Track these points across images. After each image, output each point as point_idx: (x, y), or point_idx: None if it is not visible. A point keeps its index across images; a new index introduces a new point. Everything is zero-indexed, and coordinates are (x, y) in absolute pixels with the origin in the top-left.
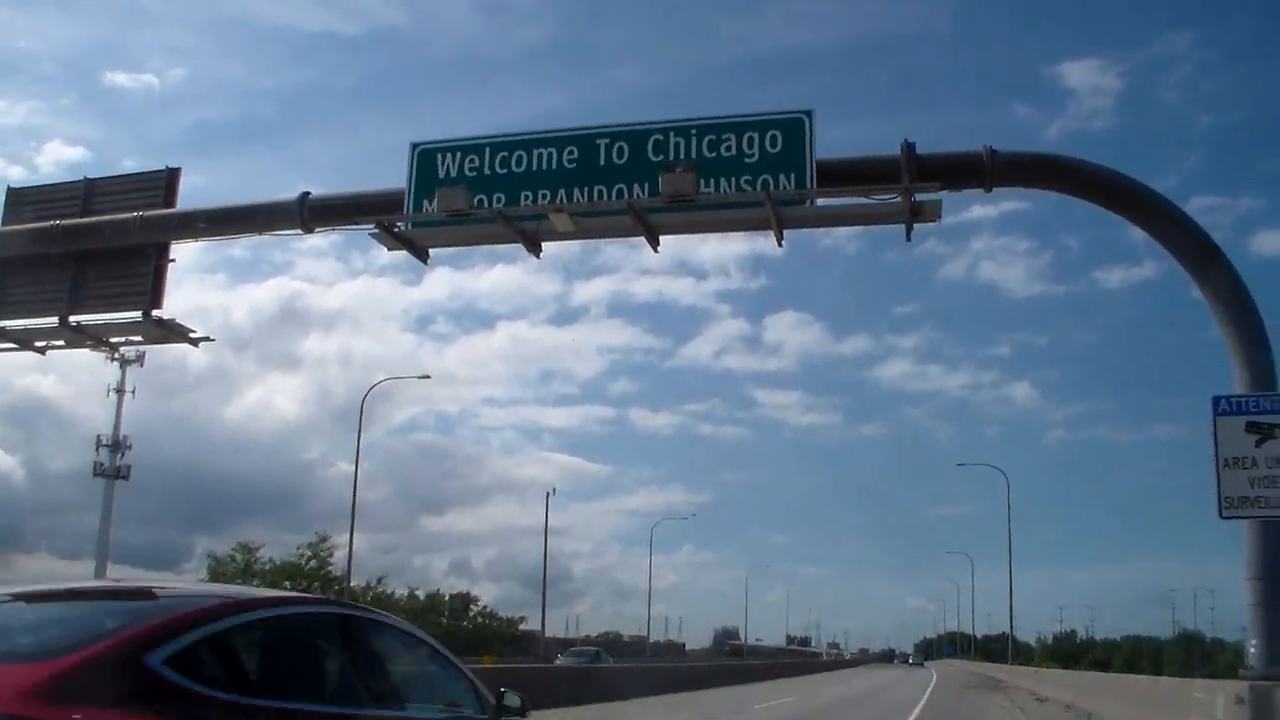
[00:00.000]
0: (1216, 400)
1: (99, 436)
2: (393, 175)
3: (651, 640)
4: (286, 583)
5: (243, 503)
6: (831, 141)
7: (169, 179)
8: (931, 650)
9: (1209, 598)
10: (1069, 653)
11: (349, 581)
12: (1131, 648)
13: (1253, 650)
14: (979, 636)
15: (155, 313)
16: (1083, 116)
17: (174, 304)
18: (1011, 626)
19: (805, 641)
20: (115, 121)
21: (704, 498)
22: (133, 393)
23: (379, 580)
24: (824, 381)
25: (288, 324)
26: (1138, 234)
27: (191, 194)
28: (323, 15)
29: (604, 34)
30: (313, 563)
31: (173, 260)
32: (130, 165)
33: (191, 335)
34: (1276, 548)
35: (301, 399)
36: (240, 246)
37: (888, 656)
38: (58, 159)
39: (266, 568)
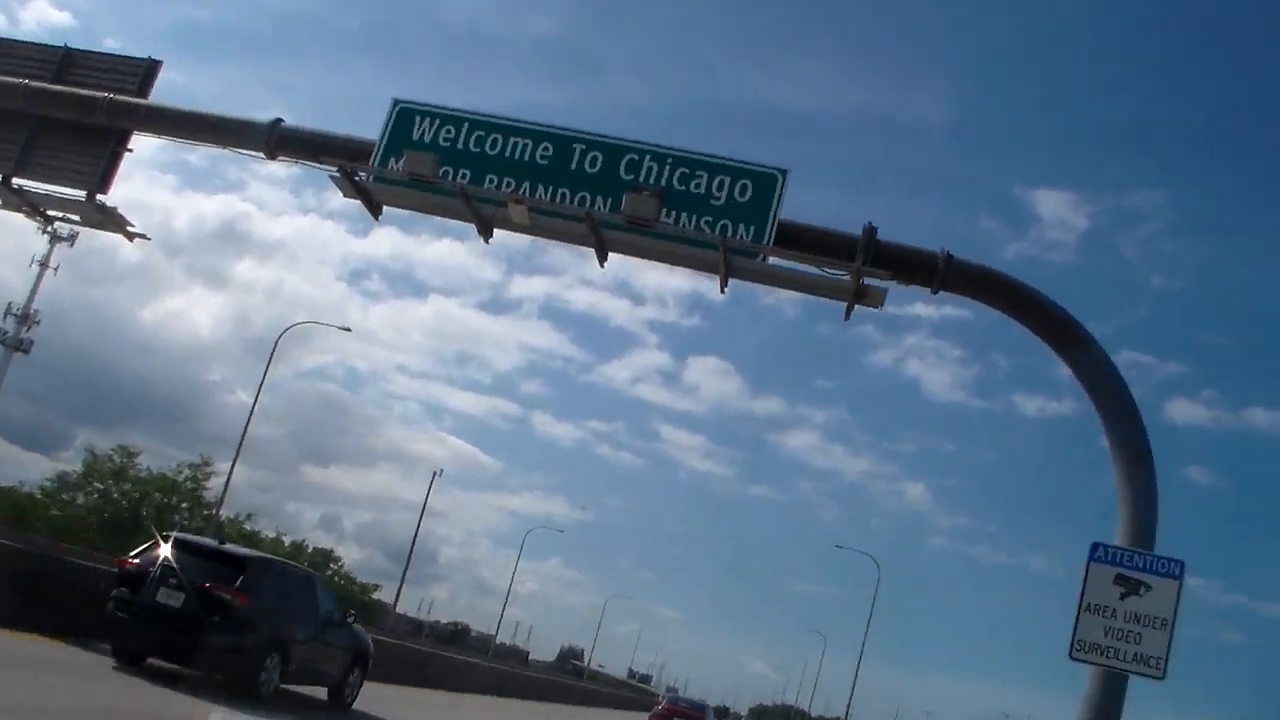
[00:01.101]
0: (1095, 546)
1: (10, 304)
2: (368, 125)
3: (498, 641)
4: (157, 494)
5: (134, 405)
6: (795, 203)
7: (148, 69)
8: (765, 717)
9: None
10: None
11: (219, 511)
12: None
13: None
14: (813, 715)
15: (100, 197)
16: (1043, 245)
17: (120, 193)
18: (848, 712)
19: (646, 679)
20: None
21: (584, 516)
22: (55, 270)
23: (248, 516)
24: (730, 433)
25: (225, 242)
26: (1064, 371)
27: (167, 90)
28: None
29: (609, 44)
30: (189, 483)
31: (130, 150)
32: (112, 45)
33: (129, 228)
34: (1113, 698)
35: (219, 319)
36: (198, 154)
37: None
38: (41, 18)
39: (143, 475)
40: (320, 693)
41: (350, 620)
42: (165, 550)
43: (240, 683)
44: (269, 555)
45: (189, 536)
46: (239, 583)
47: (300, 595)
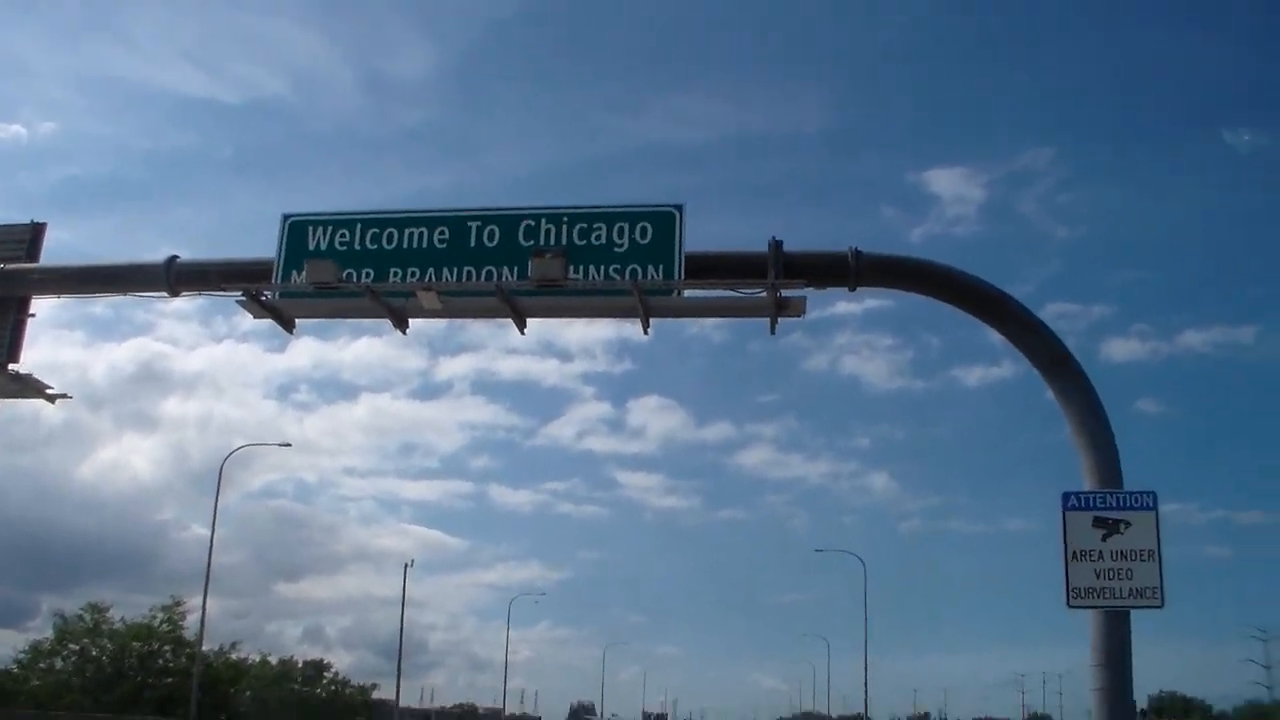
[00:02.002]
0: (1066, 496)
1: None
2: (264, 244)
3: (507, 713)
4: (135, 644)
5: (92, 562)
6: (702, 235)
7: (33, 233)
8: None
9: (1057, 682)
10: None
11: (201, 646)
12: None
13: None
14: (834, 717)
15: (12, 367)
16: (946, 222)
17: (30, 357)
18: (866, 708)
19: (662, 717)
20: None
21: (562, 575)
22: None
23: (232, 646)
24: (685, 465)
25: (147, 385)
26: (995, 336)
27: (56, 250)
28: (205, 82)
29: (484, 120)
30: (165, 625)
31: (33, 315)
32: None
33: (48, 391)
34: (1119, 637)
35: (157, 460)
36: (101, 304)
37: None
38: None
39: (117, 628)
40: None
41: None
42: None
43: None
44: None
45: None
46: None
47: None
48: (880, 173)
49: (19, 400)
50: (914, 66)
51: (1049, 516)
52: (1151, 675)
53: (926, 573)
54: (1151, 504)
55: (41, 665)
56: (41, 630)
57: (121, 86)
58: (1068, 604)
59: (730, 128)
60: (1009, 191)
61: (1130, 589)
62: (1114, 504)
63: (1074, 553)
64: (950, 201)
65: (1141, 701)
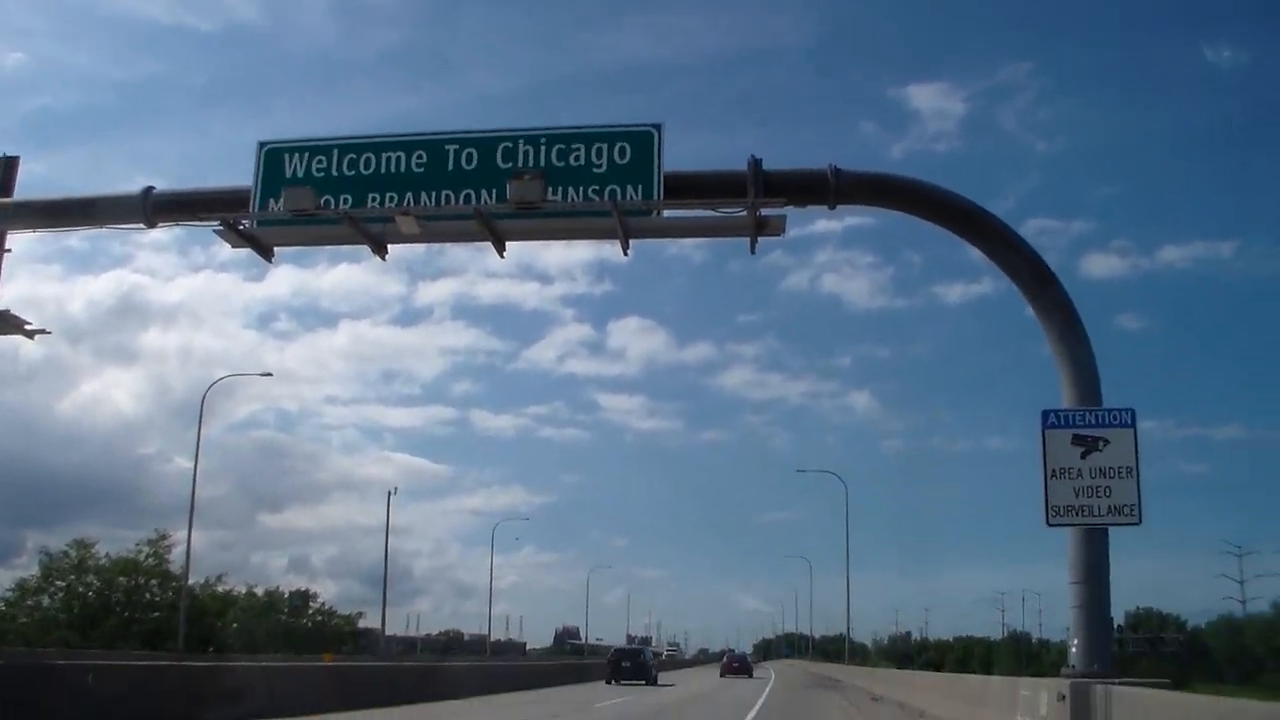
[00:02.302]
0: (1045, 414)
1: None
2: (240, 173)
3: (493, 639)
4: (121, 579)
5: (76, 497)
6: (681, 154)
7: (5, 166)
8: (770, 651)
9: (1036, 600)
10: (903, 653)
11: (187, 579)
12: (963, 648)
13: (1074, 650)
14: (817, 638)
15: None
16: (927, 138)
17: (7, 293)
18: (849, 628)
19: (646, 641)
20: None
21: (545, 499)
22: None
23: (218, 578)
24: (666, 387)
25: (126, 317)
26: (977, 253)
27: (30, 183)
28: (176, 8)
29: (459, 39)
30: (150, 559)
31: (9, 250)
32: None
33: (27, 327)
34: (1097, 554)
35: (139, 394)
36: (77, 237)
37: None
38: None
39: (103, 564)
40: None
41: None
42: None
43: None
44: None
45: None
46: None
47: None
48: (860, 88)
49: None
50: None
51: (1030, 434)
52: (1128, 591)
53: (908, 492)
54: (1130, 421)
55: (29, 603)
56: (27, 568)
57: (91, 14)
58: (1047, 522)
59: (709, 43)
60: (989, 106)
61: (1109, 506)
62: (1093, 421)
63: (1053, 471)
64: (930, 117)
65: (1118, 618)
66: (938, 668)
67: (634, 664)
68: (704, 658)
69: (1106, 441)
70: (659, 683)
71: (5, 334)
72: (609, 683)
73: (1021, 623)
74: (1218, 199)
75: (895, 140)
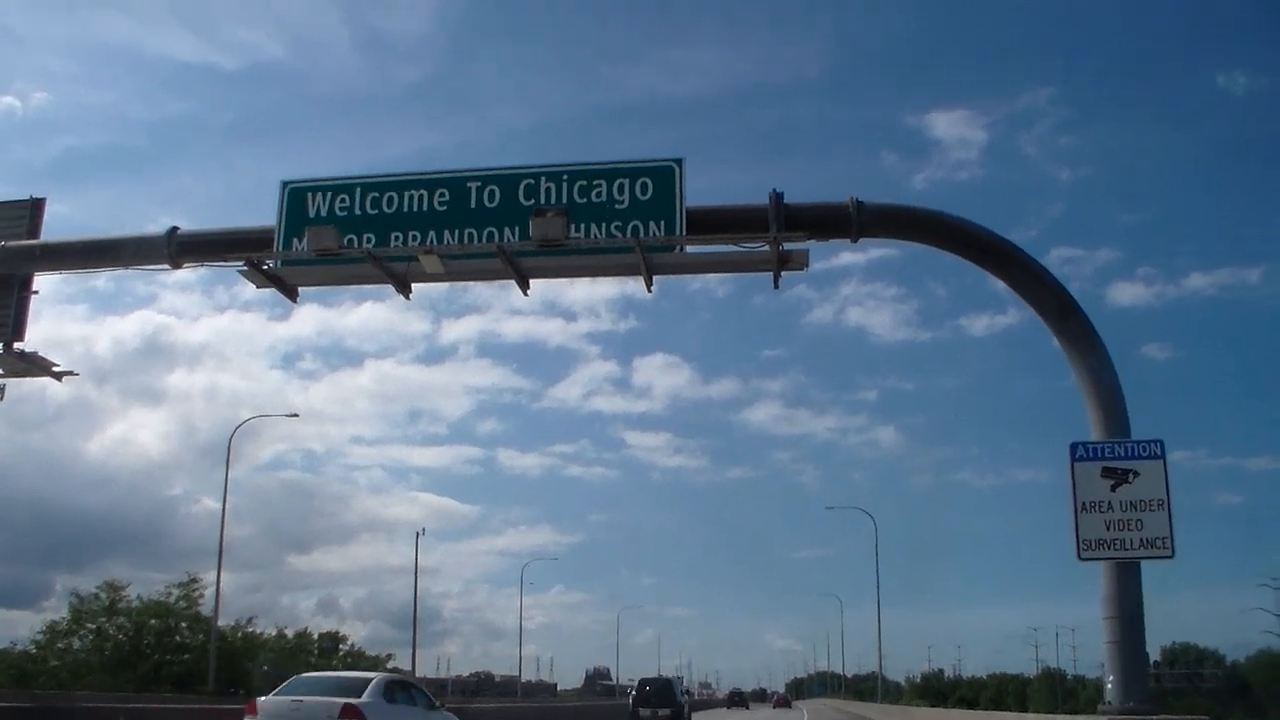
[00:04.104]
0: (1074, 447)
1: None
2: (266, 211)
3: (523, 680)
4: (152, 621)
5: (104, 539)
6: (702, 189)
7: (32, 209)
8: (802, 690)
9: (1070, 636)
10: (937, 691)
11: (216, 621)
12: (997, 685)
13: (1110, 686)
14: (849, 676)
15: (17, 345)
16: (949, 167)
17: (34, 334)
18: (880, 666)
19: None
20: None
21: (573, 538)
22: None
23: (248, 620)
24: (693, 424)
25: (151, 358)
26: (1001, 284)
27: (56, 224)
28: (201, 47)
29: (483, 75)
30: (181, 602)
31: (36, 292)
32: None
33: (55, 369)
34: (1130, 588)
35: (165, 434)
36: (103, 277)
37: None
38: None
39: (134, 606)
40: None
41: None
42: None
43: None
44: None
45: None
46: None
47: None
48: (880, 118)
49: (25, 378)
50: (910, 7)
51: (1059, 466)
52: (1164, 626)
53: (938, 527)
54: (1160, 453)
55: (59, 646)
56: (57, 610)
57: (116, 54)
58: (1078, 556)
59: (728, 77)
60: (1011, 133)
61: (1140, 539)
62: (1122, 454)
63: (1083, 504)
64: (952, 145)
65: (1154, 653)
66: (972, 706)
67: (660, 695)
68: (736, 699)
69: (1136, 474)
70: None
71: (33, 376)
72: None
73: (1056, 659)
74: (1243, 224)
75: (917, 170)
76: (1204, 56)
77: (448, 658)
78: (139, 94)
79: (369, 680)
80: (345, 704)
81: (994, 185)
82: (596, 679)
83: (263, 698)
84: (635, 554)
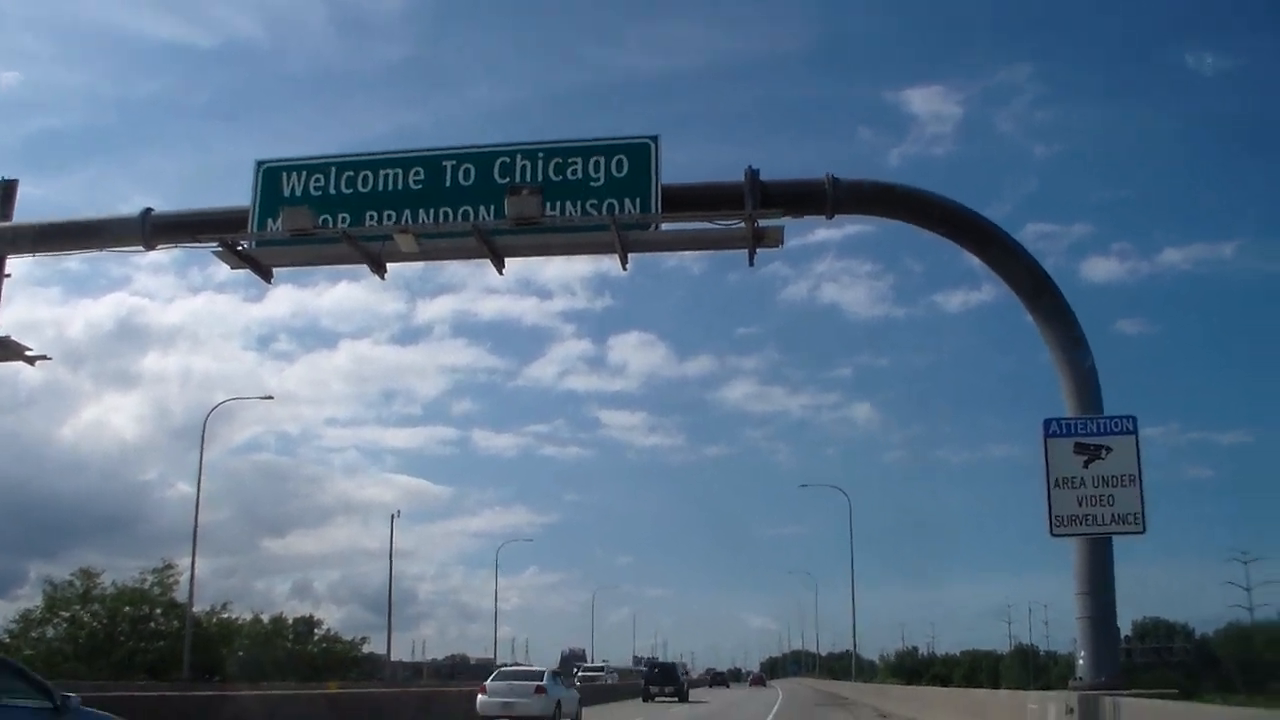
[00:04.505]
0: (1047, 423)
1: None
2: (242, 191)
3: (499, 662)
4: (127, 608)
5: (78, 525)
6: (679, 165)
7: (4, 190)
8: (776, 669)
9: (1043, 612)
10: (911, 668)
11: (191, 607)
12: (970, 662)
13: (1081, 662)
14: (823, 654)
15: None
16: (924, 142)
17: (5, 318)
18: (855, 644)
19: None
20: None
21: (549, 519)
22: None
23: (223, 606)
24: (668, 402)
25: (125, 341)
26: (976, 260)
27: (29, 206)
28: (175, 25)
29: (461, 54)
30: (156, 589)
31: (8, 275)
32: None
33: (28, 353)
34: (1102, 564)
35: (139, 418)
36: (76, 259)
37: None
38: None
39: (108, 593)
40: None
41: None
42: None
43: None
44: None
45: None
46: None
47: None
48: (857, 94)
49: None
50: None
51: (1034, 443)
52: (1135, 601)
53: (912, 504)
54: (1132, 428)
55: (33, 634)
56: (31, 598)
57: (90, 32)
58: (1050, 532)
59: (705, 53)
60: (986, 109)
61: (1112, 515)
62: (1094, 430)
63: (1056, 480)
64: (927, 121)
65: (1125, 627)
66: (945, 683)
67: (666, 675)
68: (708, 678)
69: (1109, 450)
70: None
71: (6, 360)
72: (646, 700)
73: (1029, 635)
74: (1218, 200)
75: (893, 145)
76: (1179, 34)
77: (423, 640)
78: (113, 73)
79: (543, 671)
80: (536, 685)
81: (969, 161)
82: (572, 660)
83: (489, 681)
84: (611, 534)
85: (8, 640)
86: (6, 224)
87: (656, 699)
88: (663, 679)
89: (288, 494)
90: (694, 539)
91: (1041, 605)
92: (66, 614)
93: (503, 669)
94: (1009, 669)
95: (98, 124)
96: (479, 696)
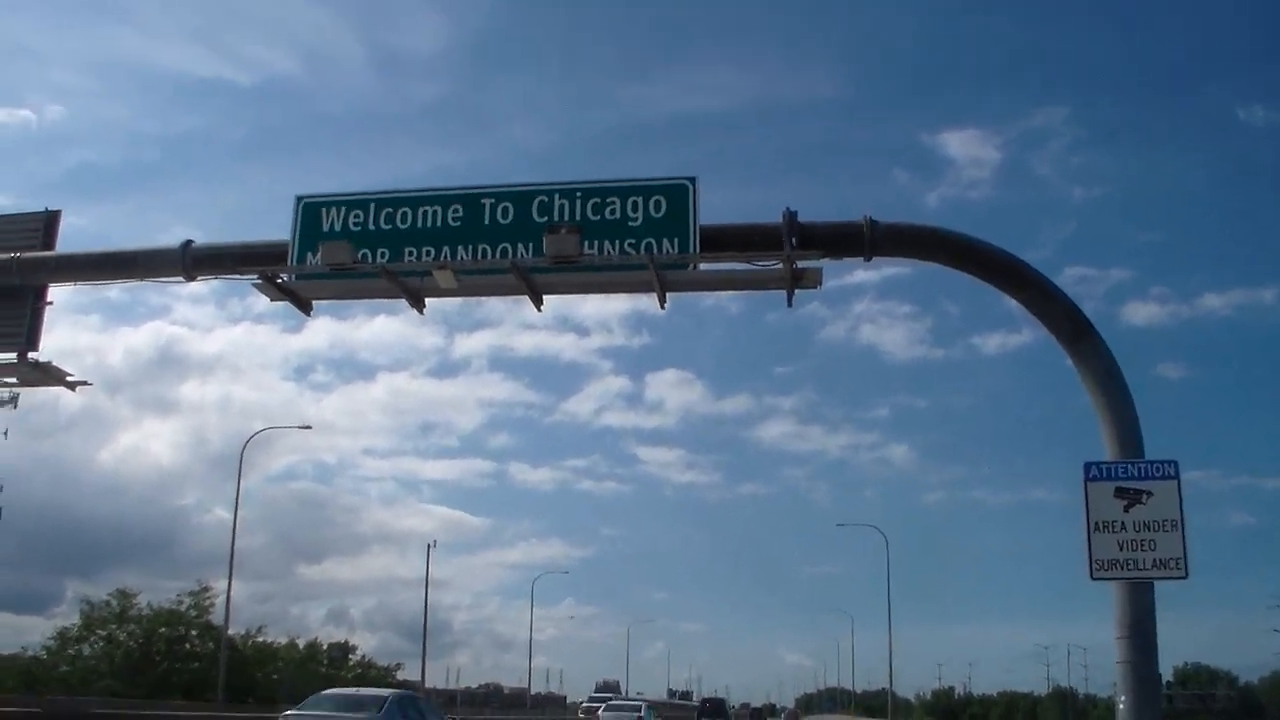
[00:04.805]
0: (1088, 466)
1: None
2: (279, 225)
3: (532, 692)
4: (163, 629)
5: (115, 547)
6: (713, 206)
7: (48, 220)
8: (812, 706)
9: (1081, 655)
10: (947, 708)
11: (226, 630)
12: (1007, 703)
13: (1121, 707)
14: (859, 692)
15: (32, 355)
16: (961, 185)
17: (48, 343)
18: (891, 682)
19: (687, 695)
20: None
21: (585, 552)
22: (4, 434)
23: (258, 629)
24: (705, 440)
25: (164, 369)
26: (1014, 302)
27: (72, 236)
28: (215, 63)
29: (497, 94)
30: (192, 610)
31: (50, 303)
32: (4, 203)
33: (69, 379)
34: (1143, 608)
35: (177, 444)
36: (116, 288)
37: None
38: None
39: (144, 614)
40: None
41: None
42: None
43: None
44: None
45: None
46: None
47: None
48: (893, 137)
49: (39, 388)
50: (923, 26)
51: (1073, 485)
52: (1176, 646)
53: (950, 545)
54: (1173, 473)
55: (70, 652)
56: (68, 616)
57: (130, 68)
58: (1091, 576)
59: (742, 96)
60: (1023, 152)
61: (1153, 560)
62: (1135, 474)
63: (1096, 524)
64: (965, 164)
65: (1167, 674)
66: None
67: (716, 709)
68: (748, 714)
69: (1150, 494)
70: None
71: (46, 385)
72: None
73: (1067, 678)
74: (1258, 245)
75: (929, 188)
76: (1218, 80)
77: (457, 669)
78: (152, 108)
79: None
80: (638, 715)
81: (1007, 204)
82: (606, 691)
83: (289, 711)
84: (647, 569)
85: (45, 656)
86: (49, 253)
87: None
88: (714, 712)
89: (324, 522)
90: (730, 575)
91: (1080, 648)
92: (103, 633)
93: (611, 701)
94: (1046, 711)
95: (138, 158)
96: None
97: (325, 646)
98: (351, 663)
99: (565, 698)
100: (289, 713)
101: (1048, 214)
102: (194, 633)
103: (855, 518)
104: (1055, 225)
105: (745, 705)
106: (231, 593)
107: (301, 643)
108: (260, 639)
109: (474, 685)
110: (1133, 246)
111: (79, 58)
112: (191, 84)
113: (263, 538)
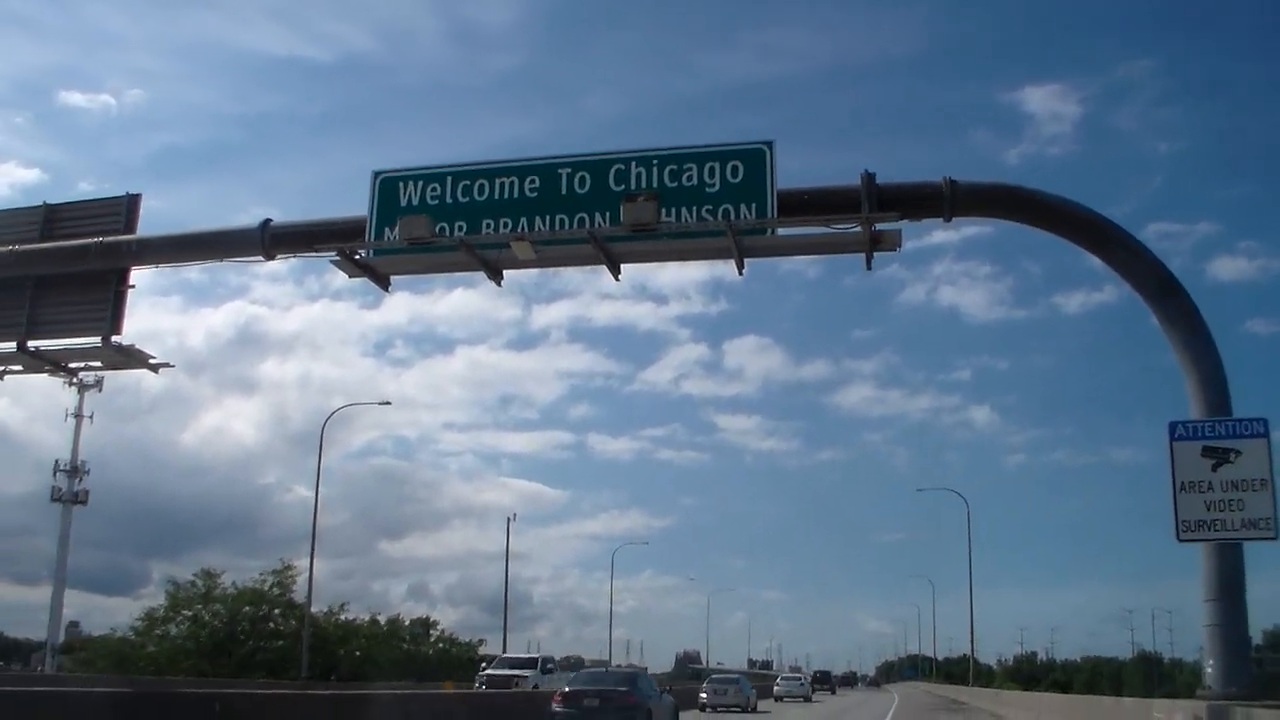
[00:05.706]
0: (1173, 426)
1: (56, 461)
2: (356, 203)
3: (614, 664)
4: (247, 608)
5: (199, 527)
6: (791, 171)
7: (129, 204)
8: (893, 673)
9: (1167, 618)
10: (1030, 674)
11: (309, 607)
12: (1091, 668)
13: (1209, 671)
14: (940, 659)
15: (115, 338)
16: (1041, 142)
17: (131, 327)
18: (973, 649)
19: (767, 665)
20: (72, 143)
21: (664, 522)
22: (90, 418)
23: (341, 606)
24: (784, 406)
25: (244, 348)
26: (1097, 260)
27: (152, 219)
28: (291, 41)
29: (575, 64)
30: (275, 589)
31: (132, 286)
32: (87, 187)
33: (151, 361)
34: (1231, 570)
35: (258, 423)
36: (195, 269)
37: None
38: (13, 180)
39: (229, 593)
40: None
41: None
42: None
43: None
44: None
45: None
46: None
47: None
48: (972, 95)
49: (122, 370)
50: None
51: (1158, 445)
52: (1267, 609)
53: (1032, 508)
54: (1263, 431)
55: (157, 632)
56: (154, 597)
57: (208, 50)
58: (1177, 537)
59: (819, 59)
60: (1106, 107)
61: (1242, 520)
62: (1223, 432)
63: (1183, 484)
64: (1045, 120)
65: (1256, 636)
66: (1065, 689)
67: (824, 679)
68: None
69: (1238, 453)
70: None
71: (130, 368)
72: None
73: (1152, 642)
74: None
75: (1009, 146)
76: None
77: (538, 642)
78: (232, 89)
79: (634, 673)
80: (736, 685)
81: (1089, 160)
82: (687, 662)
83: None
84: (726, 537)
85: (133, 637)
86: (131, 236)
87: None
88: (822, 680)
89: (405, 497)
90: (810, 542)
91: (1166, 611)
92: (189, 613)
93: (714, 675)
94: (1131, 676)
95: (218, 139)
96: (701, 694)
97: (407, 622)
98: (433, 638)
99: (645, 668)
100: (572, 677)
101: (1131, 169)
102: (277, 611)
103: (936, 482)
104: (1139, 181)
105: (817, 672)
106: (314, 570)
107: (383, 619)
108: (342, 616)
109: (556, 657)
110: (1220, 201)
111: (158, 42)
112: (270, 63)
113: (344, 515)
